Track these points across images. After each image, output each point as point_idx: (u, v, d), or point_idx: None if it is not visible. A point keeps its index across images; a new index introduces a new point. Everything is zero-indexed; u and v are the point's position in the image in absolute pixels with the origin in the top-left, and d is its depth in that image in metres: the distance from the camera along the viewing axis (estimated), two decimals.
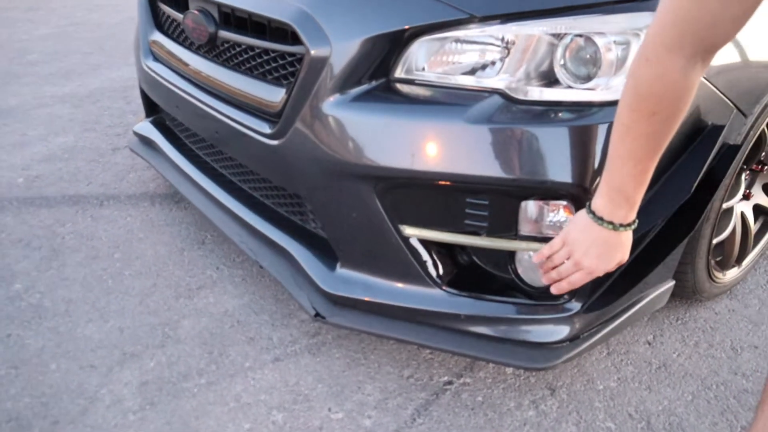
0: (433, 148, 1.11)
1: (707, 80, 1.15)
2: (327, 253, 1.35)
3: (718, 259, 1.62)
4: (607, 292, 1.22)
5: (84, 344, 1.47)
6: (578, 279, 1.01)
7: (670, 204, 1.14)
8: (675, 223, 1.20)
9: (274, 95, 1.30)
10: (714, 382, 1.45)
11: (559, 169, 1.07)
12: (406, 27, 1.11)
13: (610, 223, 0.93)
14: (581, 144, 1.07)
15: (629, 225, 0.94)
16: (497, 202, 1.12)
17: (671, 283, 1.41)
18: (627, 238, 0.97)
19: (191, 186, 1.76)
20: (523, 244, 1.15)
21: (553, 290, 1.04)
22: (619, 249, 0.97)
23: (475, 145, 1.09)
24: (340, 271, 1.31)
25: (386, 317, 1.28)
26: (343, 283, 1.30)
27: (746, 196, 1.69)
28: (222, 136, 1.51)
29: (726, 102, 1.22)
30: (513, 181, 1.08)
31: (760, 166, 1.66)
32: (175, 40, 1.66)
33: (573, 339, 1.22)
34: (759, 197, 1.71)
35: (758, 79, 1.29)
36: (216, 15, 1.40)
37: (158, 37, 1.75)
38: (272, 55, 1.29)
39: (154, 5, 1.80)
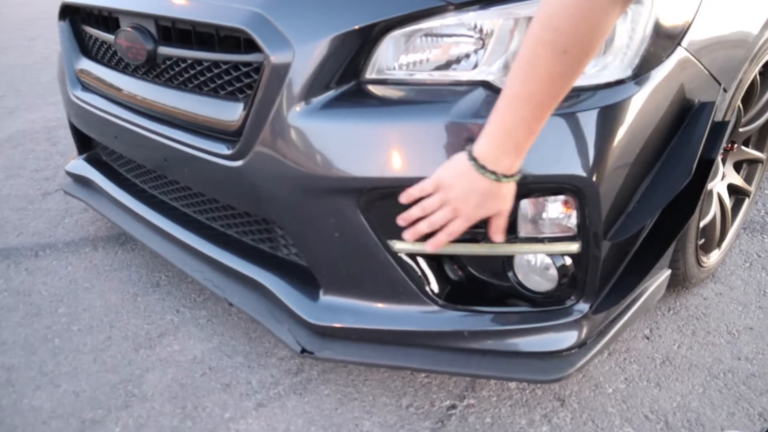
0: (419, 151, 1.01)
1: (693, 57, 1.10)
2: (306, 280, 1.21)
3: (701, 242, 1.58)
4: (614, 289, 1.14)
5: (33, 417, 1.28)
6: (458, 228, 0.94)
7: (672, 188, 1.07)
8: (675, 209, 1.13)
9: (230, 112, 1.16)
10: (720, 371, 1.39)
11: (558, 161, 0.98)
12: (376, 21, 1.01)
13: (493, 173, 0.87)
14: (578, 131, 0.98)
15: (512, 176, 0.89)
16: None
17: (668, 272, 1.35)
18: (508, 189, 0.92)
19: (139, 224, 1.59)
20: (525, 247, 1.06)
21: (428, 247, 0.97)
22: (500, 199, 0.92)
23: (466, 142, 0.99)
24: (324, 299, 1.18)
25: (382, 344, 1.16)
26: (330, 312, 1.17)
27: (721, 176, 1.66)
28: (172, 164, 1.35)
29: (711, 79, 1.17)
30: None
31: (731, 145, 1.64)
32: (107, 64, 1.50)
33: (583, 344, 1.14)
34: (731, 176, 1.69)
35: (735, 55, 1.25)
36: (153, 30, 1.26)
37: (86, 64, 1.59)
38: (224, 67, 1.16)
39: (79, 30, 1.63)
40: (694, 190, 1.13)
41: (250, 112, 1.11)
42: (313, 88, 1.05)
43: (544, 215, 1.05)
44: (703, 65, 1.13)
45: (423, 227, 0.96)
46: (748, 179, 1.78)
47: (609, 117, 0.99)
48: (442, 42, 1.06)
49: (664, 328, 1.53)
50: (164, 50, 1.26)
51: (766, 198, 2.24)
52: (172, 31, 1.24)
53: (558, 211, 1.04)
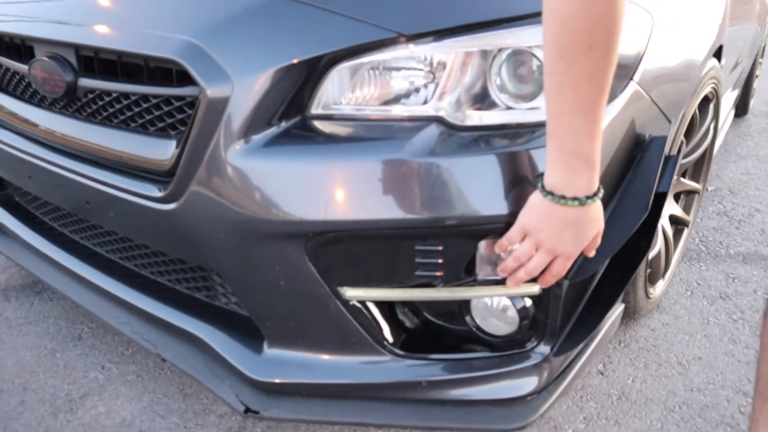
0: (371, 191, 0.94)
1: (644, 91, 1.09)
2: (249, 332, 1.11)
3: (648, 274, 1.58)
4: (575, 328, 1.10)
5: None
6: (560, 268, 0.90)
7: (629, 224, 1.04)
8: (632, 243, 1.11)
9: (161, 150, 1.06)
10: (675, 404, 1.37)
11: (516, 200, 0.94)
12: (322, 53, 0.94)
13: (575, 199, 0.81)
14: (535, 169, 0.94)
15: (595, 194, 0.83)
16: (452, 245, 0.97)
17: (621, 307, 1.32)
18: (597, 210, 0.85)
19: (57, 271, 1.44)
20: (485, 290, 1.00)
21: (540, 285, 0.95)
22: (593, 222, 0.86)
23: (421, 182, 0.93)
24: (269, 352, 1.08)
25: (334, 399, 1.06)
26: (275, 367, 1.07)
27: None
28: (95, 207, 1.23)
29: (660, 113, 1.16)
30: (469, 218, 0.93)
31: None
32: (20, 97, 1.36)
33: (545, 387, 1.08)
34: (672, 207, 1.71)
35: (680, 89, 1.26)
36: (73, 60, 1.14)
37: None
38: (155, 101, 1.06)
39: None
40: (649, 224, 1.11)
41: (184, 151, 1.01)
42: (253, 124, 0.96)
43: (503, 256, 1.00)
44: (653, 99, 1.12)
45: (521, 275, 0.91)
46: (687, 209, 1.81)
47: None
48: (391, 76, 1.00)
49: (617, 362, 1.51)
50: (86, 82, 1.14)
51: (698, 227, 2.30)
52: (95, 61, 1.13)
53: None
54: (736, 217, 2.41)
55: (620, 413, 1.34)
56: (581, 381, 1.43)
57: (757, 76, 4.04)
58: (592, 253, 0.93)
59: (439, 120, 0.97)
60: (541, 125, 0.97)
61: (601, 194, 0.84)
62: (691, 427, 1.31)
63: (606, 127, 1.00)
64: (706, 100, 1.59)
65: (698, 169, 1.81)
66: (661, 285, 1.66)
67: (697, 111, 1.51)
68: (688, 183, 1.75)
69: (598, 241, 0.92)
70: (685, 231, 1.82)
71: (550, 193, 0.82)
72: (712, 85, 1.54)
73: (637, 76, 1.07)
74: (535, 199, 0.86)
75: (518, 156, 0.94)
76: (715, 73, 1.53)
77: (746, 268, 2.00)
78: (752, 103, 4.11)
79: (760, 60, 4.09)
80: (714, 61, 1.51)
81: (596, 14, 0.70)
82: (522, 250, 0.89)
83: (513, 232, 0.89)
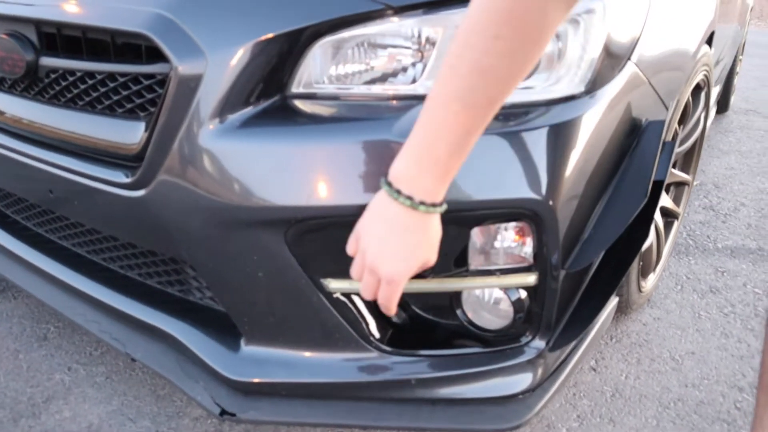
0: (356, 175, 0.87)
1: (642, 73, 1.04)
2: (225, 328, 1.04)
3: (639, 267, 1.53)
4: (570, 322, 1.04)
5: None
6: (384, 298, 0.74)
7: (628, 212, 0.99)
8: (628, 233, 1.06)
9: (129, 133, 0.98)
10: (670, 400, 1.33)
11: (512, 183, 0.88)
12: (303, 26, 0.87)
13: (408, 198, 0.68)
14: (532, 151, 0.88)
15: (434, 205, 0.70)
16: (443, 232, 0.90)
17: (616, 300, 1.28)
18: (432, 225, 0.71)
19: (20, 267, 1.35)
20: (478, 281, 0.94)
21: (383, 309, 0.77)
22: (422, 241, 0.71)
23: None
24: (247, 349, 1.01)
25: (317, 399, 0.99)
26: (253, 366, 0.99)
27: None
28: (59, 197, 1.15)
29: (657, 97, 1.12)
30: (461, 204, 0.87)
31: None
32: None
33: (540, 384, 1.03)
34: (662, 199, 1.67)
35: (676, 73, 1.22)
36: (34, 37, 1.06)
37: None
38: (122, 80, 0.98)
39: None
40: (647, 213, 1.06)
41: (154, 133, 0.94)
42: (229, 103, 0.89)
43: (497, 245, 0.94)
44: (650, 82, 1.07)
45: (363, 292, 0.76)
46: (677, 201, 1.77)
47: (564, 135, 0.90)
48: (377, 53, 0.94)
49: (609, 358, 1.46)
50: (48, 61, 1.06)
51: (685, 221, 2.27)
52: (58, 38, 1.05)
53: (512, 239, 0.94)
54: (722, 212, 2.39)
55: (614, 411, 1.29)
56: (574, 378, 1.38)
57: (737, 73, 4.05)
58: (393, 305, 0.75)
59: None
60: (534, 105, 0.92)
61: (441, 209, 0.71)
62: (687, 424, 1.26)
63: (604, 108, 0.95)
64: (698, 88, 1.55)
65: (688, 160, 1.77)
66: (652, 279, 1.62)
67: (690, 98, 1.47)
68: (679, 174, 1.72)
69: (417, 270, 0.74)
70: (675, 224, 1.78)
71: (389, 184, 0.70)
72: (705, 72, 1.50)
73: (634, 57, 1.02)
74: (377, 194, 0.73)
75: (510, 137, 0.88)
76: (708, 60, 1.49)
77: (735, 261, 1.98)
78: (732, 99, 4.13)
79: (741, 57, 4.10)
80: (706, 47, 1.47)
81: (518, 3, 0.59)
82: (354, 265, 0.75)
83: (350, 239, 0.76)
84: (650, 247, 1.54)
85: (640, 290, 1.51)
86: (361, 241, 0.73)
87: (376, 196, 0.73)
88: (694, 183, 2.68)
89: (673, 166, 1.73)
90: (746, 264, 1.96)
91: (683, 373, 1.42)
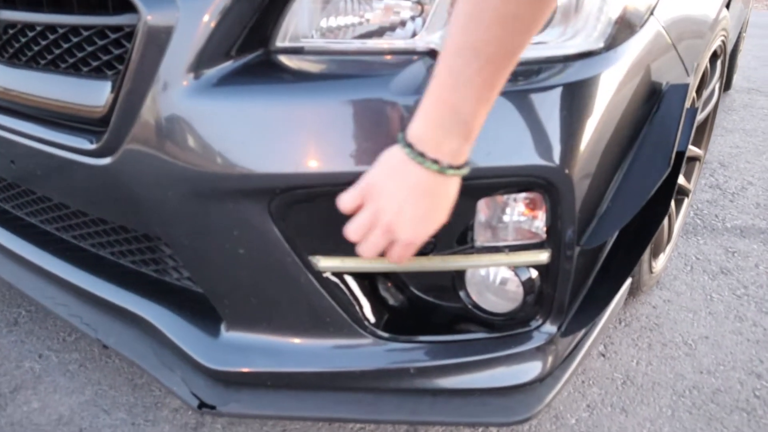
0: (349, 138, 0.77)
1: (665, 30, 0.94)
2: (204, 313, 0.94)
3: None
4: (584, 304, 0.95)
5: None
6: (397, 256, 0.71)
7: (649, 183, 0.90)
8: (648, 207, 0.96)
9: (94, 94, 0.88)
10: (685, 388, 1.25)
11: (524, 149, 0.78)
12: None
13: (435, 161, 0.65)
14: (546, 112, 0.78)
15: (460, 167, 0.67)
16: None
17: (629, 281, 1.18)
18: (453, 187, 0.69)
19: None
20: (485, 259, 0.85)
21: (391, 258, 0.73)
22: (445, 203, 0.69)
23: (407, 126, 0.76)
24: (228, 336, 0.91)
25: (306, 390, 0.90)
26: (235, 353, 0.90)
27: None
28: (22, 168, 1.04)
29: (678, 58, 1.02)
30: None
31: None
32: None
33: (551, 372, 0.94)
34: None
35: (698, 33, 1.12)
36: None
37: None
38: (86, 34, 0.88)
39: None
40: (668, 185, 0.97)
41: (120, 93, 0.83)
42: (205, 57, 0.79)
43: (506, 218, 0.84)
44: (672, 42, 0.97)
45: (364, 249, 0.72)
46: (687, 177, 1.68)
47: (581, 95, 0.80)
48: (373, 4, 0.83)
49: (618, 343, 1.37)
50: (5, 15, 0.95)
51: (693, 199, 2.18)
52: None
53: (522, 212, 0.84)
54: (729, 190, 2.30)
55: (626, 399, 1.20)
56: (583, 364, 1.29)
57: (740, 51, 3.96)
58: (405, 257, 0.72)
59: (430, 53, 0.80)
60: (549, 61, 0.82)
61: (465, 171, 0.68)
62: (704, 414, 1.18)
63: (625, 66, 0.85)
64: (714, 56, 1.45)
65: (700, 133, 1.68)
66: (662, 259, 1.53)
67: (708, 65, 1.37)
68: (690, 148, 1.62)
69: (423, 238, 0.71)
70: (685, 201, 1.69)
71: (410, 146, 0.65)
72: (723, 38, 1.40)
73: (657, 13, 0.92)
74: (391, 151, 0.68)
75: (520, 97, 0.78)
76: (726, 24, 1.39)
77: (745, 241, 1.89)
78: (735, 78, 4.04)
79: (744, 34, 4.00)
80: (726, 11, 1.37)
81: None
82: (359, 220, 0.70)
83: (351, 193, 0.70)
84: (661, 226, 1.44)
85: (651, 271, 1.42)
86: (374, 201, 0.69)
87: (390, 154, 0.68)
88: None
89: None
90: (757, 244, 1.88)
91: (697, 358, 1.34)
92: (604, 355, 1.33)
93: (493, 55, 0.60)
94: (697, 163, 1.71)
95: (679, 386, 1.25)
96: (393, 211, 0.68)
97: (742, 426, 1.15)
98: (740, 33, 3.60)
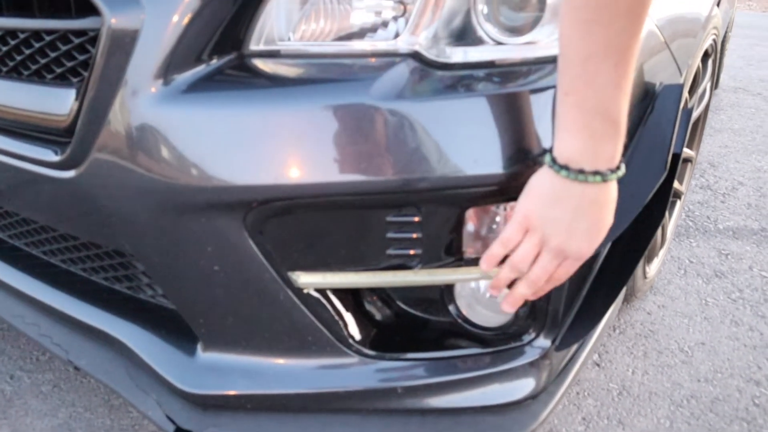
0: (327, 146, 0.72)
1: (657, 28, 0.90)
2: (179, 332, 0.89)
3: None
4: (579, 316, 0.91)
5: None
6: (565, 273, 0.70)
7: (646, 188, 0.86)
8: (643, 212, 0.93)
9: (58, 102, 0.82)
10: (683, 397, 1.21)
11: (514, 154, 0.74)
12: None
13: (596, 173, 0.63)
14: (537, 114, 0.74)
15: (618, 168, 0.65)
16: (433, 215, 0.76)
17: (623, 289, 1.14)
18: (615, 188, 0.67)
19: None
20: (474, 272, 0.80)
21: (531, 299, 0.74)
22: (610, 208, 0.67)
23: (390, 132, 0.72)
24: (204, 356, 0.86)
25: (288, 413, 0.85)
26: (213, 375, 0.85)
27: None
28: None
29: (671, 57, 0.98)
30: (453, 180, 0.73)
31: None
32: None
33: (545, 388, 0.90)
34: None
35: (690, 39, 1.08)
36: None
37: None
38: (48, 39, 0.82)
39: None
40: (664, 189, 0.93)
41: (85, 101, 0.78)
42: (174, 62, 0.74)
43: (496, 228, 0.80)
44: (665, 40, 0.94)
45: (522, 291, 0.72)
46: (679, 179, 1.65)
47: None
48: (353, 4, 0.79)
49: (613, 352, 1.33)
50: None
51: (685, 200, 2.16)
52: None
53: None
54: (720, 191, 2.28)
55: (623, 411, 1.16)
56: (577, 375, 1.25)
57: (726, 50, 3.95)
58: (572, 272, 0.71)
59: (413, 56, 0.76)
60: (539, 62, 0.78)
61: (623, 171, 0.65)
62: (703, 425, 1.14)
63: None
64: (705, 55, 1.42)
65: (692, 134, 1.64)
66: (656, 263, 1.50)
67: (700, 65, 1.34)
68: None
69: (595, 247, 0.70)
70: (678, 203, 1.66)
71: (565, 168, 0.63)
72: (714, 36, 1.37)
73: (650, 10, 0.88)
74: (541, 179, 0.66)
75: (512, 99, 0.74)
76: (717, 23, 1.36)
77: (738, 243, 1.86)
78: (722, 77, 4.03)
79: (730, 33, 4.00)
80: (717, 9, 1.34)
81: None
82: (522, 253, 0.68)
83: (512, 228, 0.69)
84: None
85: (645, 276, 1.39)
86: (537, 231, 0.67)
87: (542, 181, 0.66)
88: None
89: None
90: (750, 246, 1.85)
91: (694, 366, 1.30)
92: (599, 365, 1.29)
93: (624, 45, 0.58)
94: (690, 164, 1.68)
95: (676, 396, 1.21)
96: (562, 235, 0.66)
97: None
98: (726, 32, 3.60)
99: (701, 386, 1.24)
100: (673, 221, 1.63)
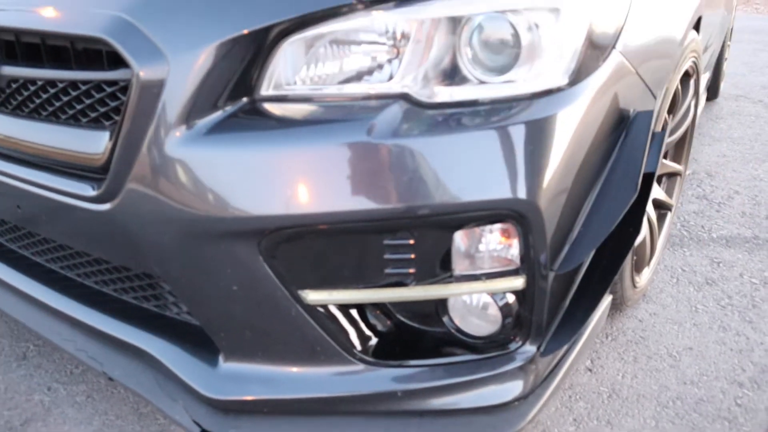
0: (330, 180, 0.83)
1: (628, 62, 1.00)
2: (202, 345, 0.99)
3: (633, 261, 1.49)
4: (562, 325, 1.00)
5: None
6: None
7: (618, 208, 0.95)
8: (619, 228, 1.02)
9: (93, 143, 0.94)
10: (669, 399, 1.29)
11: (495, 184, 0.84)
12: (270, 24, 0.83)
13: None
14: (514, 148, 0.84)
15: None
16: (424, 238, 0.86)
17: (609, 299, 1.23)
18: None
19: None
20: (463, 287, 0.90)
21: None
22: None
23: (385, 168, 0.82)
24: (225, 366, 0.97)
25: (301, 415, 0.95)
26: (233, 383, 0.95)
27: None
28: (27, 212, 1.10)
29: (644, 86, 1.08)
30: (441, 207, 0.83)
31: None
32: None
33: (532, 390, 0.99)
34: (654, 190, 1.63)
35: (664, 61, 1.18)
36: None
37: None
38: (84, 88, 0.94)
39: None
40: (637, 207, 1.02)
41: (118, 143, 0.89)
42: (195, 108, 0.85)
43: (482, 248, 0.90)
44: (637, 71, 1.03)
45: None
46: (669, 193, 1.74)
47: (547, 130, 0.86)
48: (351, 50, 0.89)
49: (605, 358, 1.42)
50: (8, 70, 1.01)
51: (679, 211, 2.24)
52: (17, 46, 1.00)
53: (497, 242, 0.89)
54: (715, 200, 2.35)
55: (612, 412, 1.25)
56: (569, 379, 1.34)
57: (726, 59, 4.02)
58: None
59: (404, 97, 0.86)
60: (517, 99, 0.88)
61: None
62: (686, 424, 1.23)
63: (590, 100, 0.91)
64: (686, 76, 1.51)
65: (679, 150, 1.73)
66: (646, 273, 1.58)
67: (679, 86, 1.43)
68: (670, 165, 1.68)
69: None
70: (669, 215, 1.74)
71: None
72: (693, 59, 1.46)
73: (619, 45, 0.98)
74: None
75: (491, 134, 0.84)
76: (696, 47, 1.45)
77: (730, 251, 1.94)
78: (722, 86, 4.10)
79: (729, 43, 4.07)
80: (694, 33, 1.44)
81: None
82: None
83: None
84: (643, 241, 1.50)
85: (634, 286, 1.47)
86: None
87: None
88: (687, 172, 2.65)
89: (665, 157, 1.69)
90: (742, 253, 1.93)
91: (681, 369, 1.38)
92: (590, 370, 1.38)
93: None
94: (679, 178, 1.76)
95: (663, 397, 1.29)
96: None
97: None
98: (725, 41, 3.67)
99: (687, 388, 1.32)
100: (663, 233, 1.72)
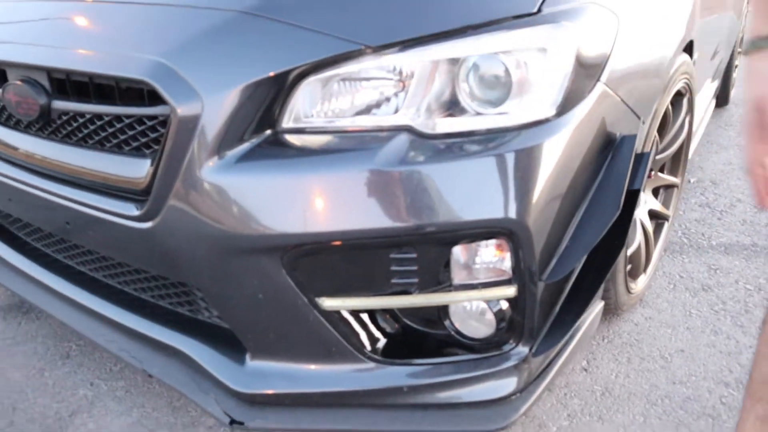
0: (344, 203, 0.95)
1: (613, 92, 1.11)
2: (231, 345, 1.12)
3: (628, 269, 1.60)
4: (552, 328, 1.11)
5: None
6: None
7: (602, 224, 1.06)
8: (605, 241, 1.13)
9: (137, 169, 1.07)
10: (658, 397, 1.39)
11: (488, 205, 0.95)
12: (290, 68, 0.95)
13: None
14: (505, 174, 0.96)
15: None
16: (426, 252, 0.98)
17: (601, 304, 1.34)
18: None
19: (42, 291, 1.45)
20: (461, 295, 1.02)
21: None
22: None
23: (392, 191, 0.95)
24: (252, 364, 1.09)
25: (318, 407, 1.08)
26: (258, 378, 1.08)
27: None
28: (75, 228, 1.24)
29: (630, 111, 1.18)
30: (441, 225, 0.95)
31: (649, 173, 1.68)
32: None
33: (525, 387, 1.10)
34: (650, 202, 1.73)
35: (650, 86, 1.28)
36: (46, 83, 1.15)
37: None
38: (128, 121, 1.07)
39: None
40: (622, 222, 1.13)
41: (159, 169, 1.02)
42: (226, 140, 0.98)
43: (478, 260, 1.02)
44: (621, 99, 1.14)
45: None
46: (666, 204, 1.83)
47: (536, 157, 0.98)
48: (361, 86, 1.02)
49: (600, 358, 1.52)
50: (59, 105, 1.15)
51: (681, 219, 2.32)
52: (67, 83, 1.14)
53: (491, 255, 1.01)
54: (718, 208, 2.43)
55: (603, 409, 1.36)
56: (565, 378, 1.45)
57: (736, 66, 4.07)
58: None
59: (409, 129, 0.98)
60: (508, 130, 0.99)
61: None
62: (673, 420, 1.33)
63: (576, 128, 1.02)
64: (679, 95, 1.61)
65: (676, 163, 1.83)
66: (642, 279, 1.68)
67: (670, 107, 1.53)
68: (666, 177, 1.78)
69: None
70: (666, 225, 1.84)
71: None
72: (684, 81, 1.56)
73: (604, 77, 1.09)
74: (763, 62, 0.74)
75: (485, 161, 0.95)
76: (687, 69, 1.55)
77: (728, 258, 2.03)
78: (733, 92, 4.14)
79: (739, 49, 4.11)
80: (685, 56, 1.53)
81: None
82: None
83: (751, 116, 0.75)
84: (638, 250, 1.60)
85: (629, 292, 1.57)
86: None
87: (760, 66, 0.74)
88: (691, 180, 2.73)
89: (661, 170, 1.79)
90: (739, 261, 2.01)
91: (671, 370, 1.48)
92: (586, 370, 1.48)
93: None
94: (675, 189, 1.86)
95: (652, 396, 1.40)
96: None
97: (707, 430, 1.30)
98: (734, 49, 3.72)
99: (676, 388, 1.43)
100: (660, 242, 1.81)
